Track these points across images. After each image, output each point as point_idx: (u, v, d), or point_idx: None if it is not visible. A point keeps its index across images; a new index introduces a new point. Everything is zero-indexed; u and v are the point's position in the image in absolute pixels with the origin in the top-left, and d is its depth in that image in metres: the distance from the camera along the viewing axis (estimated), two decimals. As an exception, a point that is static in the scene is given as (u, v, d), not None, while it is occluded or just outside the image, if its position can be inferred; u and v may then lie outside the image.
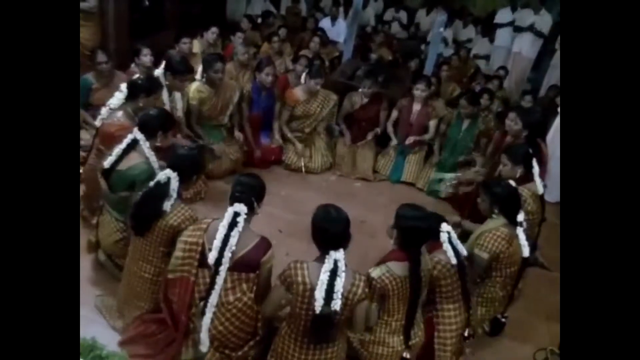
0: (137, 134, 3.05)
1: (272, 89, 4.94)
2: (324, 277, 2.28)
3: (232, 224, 2.46)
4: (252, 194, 2.54)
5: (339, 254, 2.33)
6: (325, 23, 8.45)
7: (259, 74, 4.77)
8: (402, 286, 2.55)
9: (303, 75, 5.11)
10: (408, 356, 2.73)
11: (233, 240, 2.44)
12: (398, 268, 2.54)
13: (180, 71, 4.03)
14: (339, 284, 2.28)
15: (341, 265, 2.31)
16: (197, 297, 2.56)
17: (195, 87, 4.43)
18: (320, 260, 2.36)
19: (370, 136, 5.19)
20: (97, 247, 3.24)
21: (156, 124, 3.11)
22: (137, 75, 3.74)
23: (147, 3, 6.10)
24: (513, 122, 4.04)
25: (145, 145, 3.05)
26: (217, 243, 2.45)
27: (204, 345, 2.55)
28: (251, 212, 2.54)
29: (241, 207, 2.49)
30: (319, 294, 2.27)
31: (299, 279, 2.33)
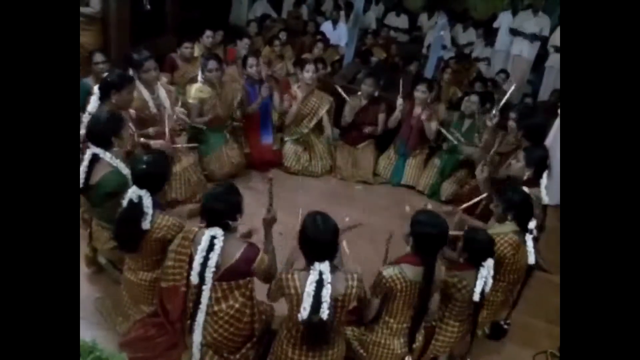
0: (93, 149, 2.95)
1: (263, 82, 4.96)
2: (309, 289, 2.29)
3: (210, 247, 2.44)
4: (223, 216, 2.48)
5: (323, 266, 2.31)
6: (326, 27, 8.47)
7: (244, 70, 4.89)
8: (411, 290, 2.55)
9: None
10: (410, 359, 2.74)
11: (212, 262, 2.42)
12: (410, 271, 2.54)
13: (138, 63, 3.86)
14: (326, 294, 2.28)
15: (326, 277, 2.30)
16: (191, 307, 2.56)
17: (197, 87, 4.46)
18: (308, 269, 2.36)
19: (367, 130, 5.15)
20: (94, 256, 3.25)
21: (107, 132, 3.00)
22: (106, 74, 3.60)
23: (148, 7, 6.11)
24: (513, 124, 4.07)
25: (106, 156, 2.96)
26: (196, 265, 2.44)
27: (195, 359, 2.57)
28: (228, 230, 2.49)
29: (216, 231, 2.45)
30: (306, 304, 2.28)
31: (292, 290, 2.35)
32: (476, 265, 2.76)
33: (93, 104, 3.36)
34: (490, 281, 2.77)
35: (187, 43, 5.51)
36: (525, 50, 7.73)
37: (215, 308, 2.50)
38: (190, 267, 2.49)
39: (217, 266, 2.44)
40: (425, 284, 2.54)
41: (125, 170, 2.97)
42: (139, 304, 2.87)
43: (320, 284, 2.29)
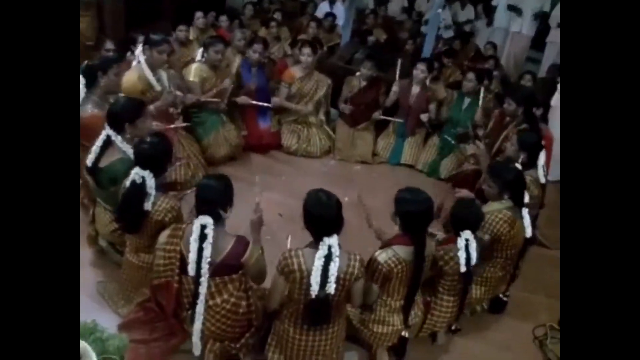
0: (108, 130, 2.97)
1: (262, 68, 4.94)
2: (318, 263, 2.29)
3: (202, 237, 2.41)
4: (216, 205, 2.45)
5: (332, 240, 2.33)
6: (323, 7, 8.38)
7: (247, 50, 4.85)
8: (406, 270, 2.57)
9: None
10: (407, 335, 2.77)
11: (207, 252, 2.40)
12: (403, 251, 2.55)
13: (156, 41, 3.83)
14: (333, 268, 2.30)
15: (335, 250, 2.32)
16: (185, 302, 2.58)
17: (196, 66, 4.44)
18: (314, 245, 2.37)
19: (376, 115, 5.16)
20: (97, 236, 3.27)
21: (122, 117, 3.00)
22: (85, 62, 3.53)
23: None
24: (507, 104, 4.10)
25: (117, 140, 2.97)
26: (192, 256, 2.42)
27: (197, 349, 2.59)
28: (219, 220, 2.47)
29: (206, 220, 2.41)
30: (314, 280, 2.29)
31: (295, 267, 2.34)
32: (456, 230, 2.79)
33: (80, 92, 3.29)
34: (473, 251, 2.76)
35: (182, 26, 5.48)
36: (525, 27, 7.66)
37: (210, 302, 2.50)
38: (182, 263, 2.49)
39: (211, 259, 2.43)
40: (416, 262, 2.55)
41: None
42: (141, 287, 2.89)
43: (328, 258, 2.30)
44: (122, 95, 3.37)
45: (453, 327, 3.02)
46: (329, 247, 2.32)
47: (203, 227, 2.41)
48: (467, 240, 2.74)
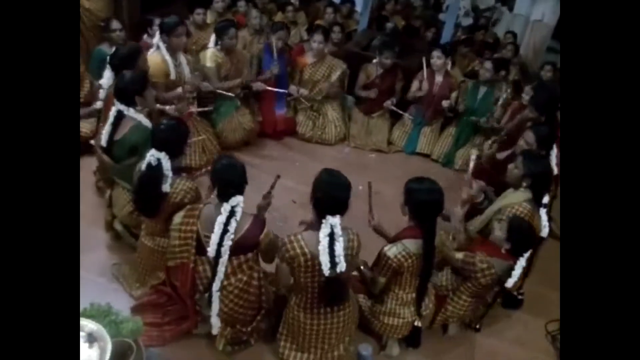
0: (118, 105, 3.01)
1: (283, 54, 4.89)
2: (324, 242, 2.30)
3: (230, 216, 2.43)
4: (240, 184, 2.49)
5: (335, 220, 2.32)
6: (342, -8, 8.26)
7: (270, 36, 4.77)
8: (416, 263, 2.55)
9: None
10: (420, 324, 2.76)
11: (231, 228, 2.42)
12: (413, 245, 2.53)
13: (171, 27, 3.78)
14: (339, 248, 2.30)
15: (337, 230, 2.32)
16: (200, 285, 2.59)
17: (212, 52, 4.40)
18: (314, 227, 2.37)
19: (387, 104, 5.10)
20: (113, 218, 3.28)
21: (130, 90, 3.05)
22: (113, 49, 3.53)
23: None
24: (528, 110, 3.95)
25: (130, 112, 3.02)
26: (215, 238, 2.42)
27: (215, 328, 2.62)
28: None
29: (238, 199, 2.44)
30: (324, 259, 2.29)
31: (298, 251, 2.34)
32: (517, 255, 2.75)
33: (107, 80, 3.37)
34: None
35: (200, 9, 5.42)
36: (548, 14, 7.48)
37: (225, 282, 2.52)
38: (198, 244, 2.50)
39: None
40: (426, 253, 2.53)
41: (150, 125, 3.01)
42: (156, 270, 2.91)
43: (332, 237, 2.30)
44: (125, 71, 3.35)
45: (474, 325, 3.03)
46: (332, 226, 2.31)
47: (234, 207, 2.43)
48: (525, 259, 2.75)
